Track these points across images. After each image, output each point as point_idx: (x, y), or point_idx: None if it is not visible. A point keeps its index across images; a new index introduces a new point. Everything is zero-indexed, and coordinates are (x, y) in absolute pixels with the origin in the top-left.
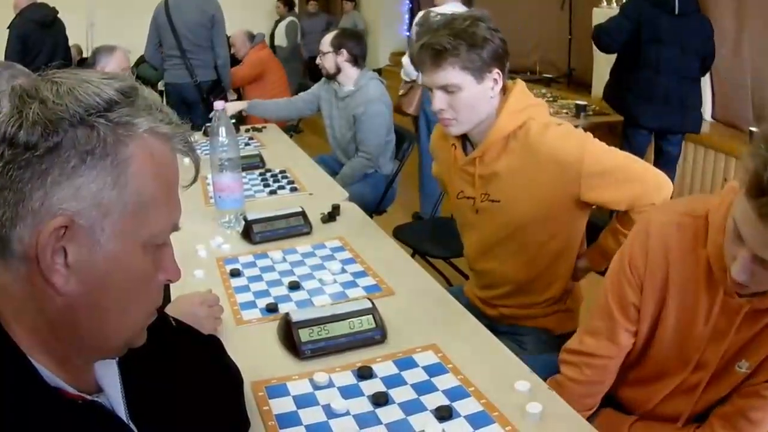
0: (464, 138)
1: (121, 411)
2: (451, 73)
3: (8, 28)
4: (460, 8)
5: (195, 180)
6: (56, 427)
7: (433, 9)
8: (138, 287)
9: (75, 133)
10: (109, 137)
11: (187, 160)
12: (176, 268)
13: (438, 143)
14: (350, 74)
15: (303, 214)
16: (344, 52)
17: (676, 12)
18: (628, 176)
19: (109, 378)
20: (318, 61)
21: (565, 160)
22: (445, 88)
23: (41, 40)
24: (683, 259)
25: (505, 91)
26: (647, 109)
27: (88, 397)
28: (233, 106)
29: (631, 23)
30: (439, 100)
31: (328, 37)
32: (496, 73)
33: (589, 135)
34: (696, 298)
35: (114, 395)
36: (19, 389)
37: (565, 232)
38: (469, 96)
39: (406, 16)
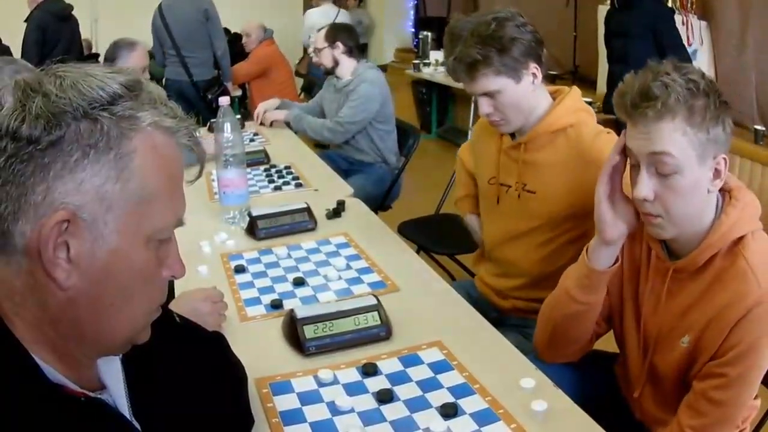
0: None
1: (125, 408)
2: (488, 81)
3: (25, 21)
4: (333, 9)
5: (200, 175)
6: (58, 425)
7: (310, 10)
8: (141, 283)
9: (78, 127)
10: (112, 131)
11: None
12: (180, 264)
13: (484, 128)
14: (348, 66)
15: (308, 210)
16: (339, 44)
17: (616, 6)
18: None
19: (112, 375)
20: (314, 59)
21: None
22: (487, 94)
23: (59, 32)
24: (632, 236)
25: (556, 95)
26: (609, 97)
27: (91, 394)
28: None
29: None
30: (484, 105)
31: (321, 34)
32: (533, 67)
33: None
34: (639, 267)
35: (117, 392)
36: (21, 385)
37: (591, 231)
38: (511, 96)
39: (411, 12)
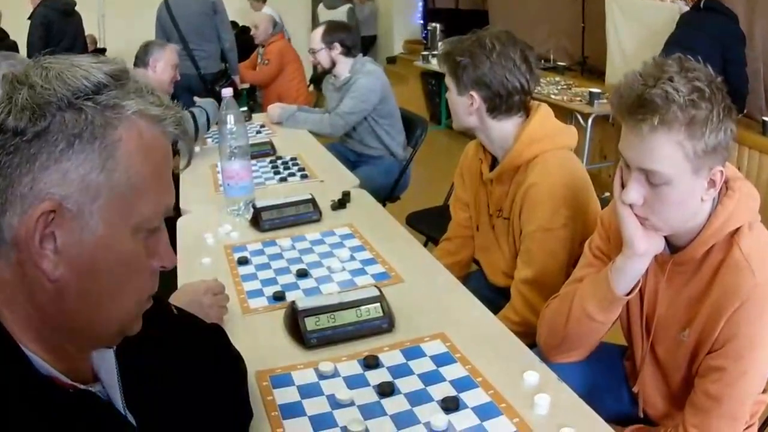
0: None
1: (118, 401)
2: (446, 73)
3: (29, 18)
4: (273, 11)
5: (189, 163)
6: (47, 417)
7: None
8: (129, 273)
9: (63, 117)
10: (96, 120)
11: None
12: (170, 254)
13: (468, 161)
14: (345, 64)
15: (312, 201)
16: (337, 45)
17: (702, 6)
18: None
19: (105, 367)
20: (311, 59)
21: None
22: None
23: (63, 28)
24: None
25: (527, 112)
26: None
27: (81, 387)
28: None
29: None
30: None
31: (318, 34)
32: (471, 95)
33: None
34: None
35: (111, 385)
36: (9, 377)
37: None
38: (452, 100)
39: (420, 4)
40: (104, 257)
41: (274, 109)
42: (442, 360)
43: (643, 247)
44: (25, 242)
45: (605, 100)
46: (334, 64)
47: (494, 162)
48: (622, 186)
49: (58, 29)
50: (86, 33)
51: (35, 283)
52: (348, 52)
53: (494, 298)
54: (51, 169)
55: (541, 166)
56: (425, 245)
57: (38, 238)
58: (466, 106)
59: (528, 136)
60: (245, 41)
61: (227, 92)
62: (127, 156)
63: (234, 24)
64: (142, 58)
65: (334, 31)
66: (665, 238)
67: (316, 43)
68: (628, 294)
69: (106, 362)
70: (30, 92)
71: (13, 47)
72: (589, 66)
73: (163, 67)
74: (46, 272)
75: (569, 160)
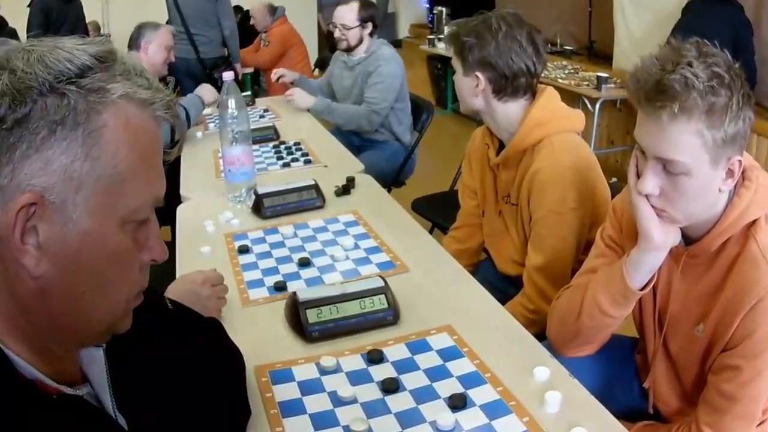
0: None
1: (108, 402)
2: (452, 54)
3: (28, 6)
4: None
5: (180, 149)
6: (30, 423)
7: None
8: (116, 268)
9: (44, 103)
10: (80, 105)
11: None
12: (161, 247)
13: (475, 147)
14: (366, 44)
15: (316, 187)
16: (370, 24)
17: None
18: None
19: (94, 367)
20: (337, 35)
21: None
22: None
23: (63, 14)
24: None
25: (534, 95)
26: None
27: (68, 390)
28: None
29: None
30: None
31: (352, 12)
32: (476, 75)
33: None
34: None
35: (100, 386)
36: None
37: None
38: (458, 81)
39: None
40: (90, 251)
41: (301, 96)
42: (449, 354)
43: (660, 240)
44: (6, 237)
45: (613, 85)
46: (360, 42)
47: (501, 147)
48: (637, 175)
49: (58, 15)
50: (89, 19)
51: (17, 280)
52: (374, 31)
53: (504, 287)
54: (32, 159)
55: (547, 150)
56: (431, 231)
57: (19, 233)
58: (471, 87)
59: (532, 119)
60: (250, 27)
61: (228, 76)
62: (112, 143)
63: (239, 9)
64: (135, 40)
65: (368, 8)
66: (681, 229)
67: (352, 20)
68: (643, 288)
69: (95, 362)
70: (11, 77)
71: (13, 35)
72: (596, 50)
73: (156, 49)
74: (28, 269)
75: (575, 143)
